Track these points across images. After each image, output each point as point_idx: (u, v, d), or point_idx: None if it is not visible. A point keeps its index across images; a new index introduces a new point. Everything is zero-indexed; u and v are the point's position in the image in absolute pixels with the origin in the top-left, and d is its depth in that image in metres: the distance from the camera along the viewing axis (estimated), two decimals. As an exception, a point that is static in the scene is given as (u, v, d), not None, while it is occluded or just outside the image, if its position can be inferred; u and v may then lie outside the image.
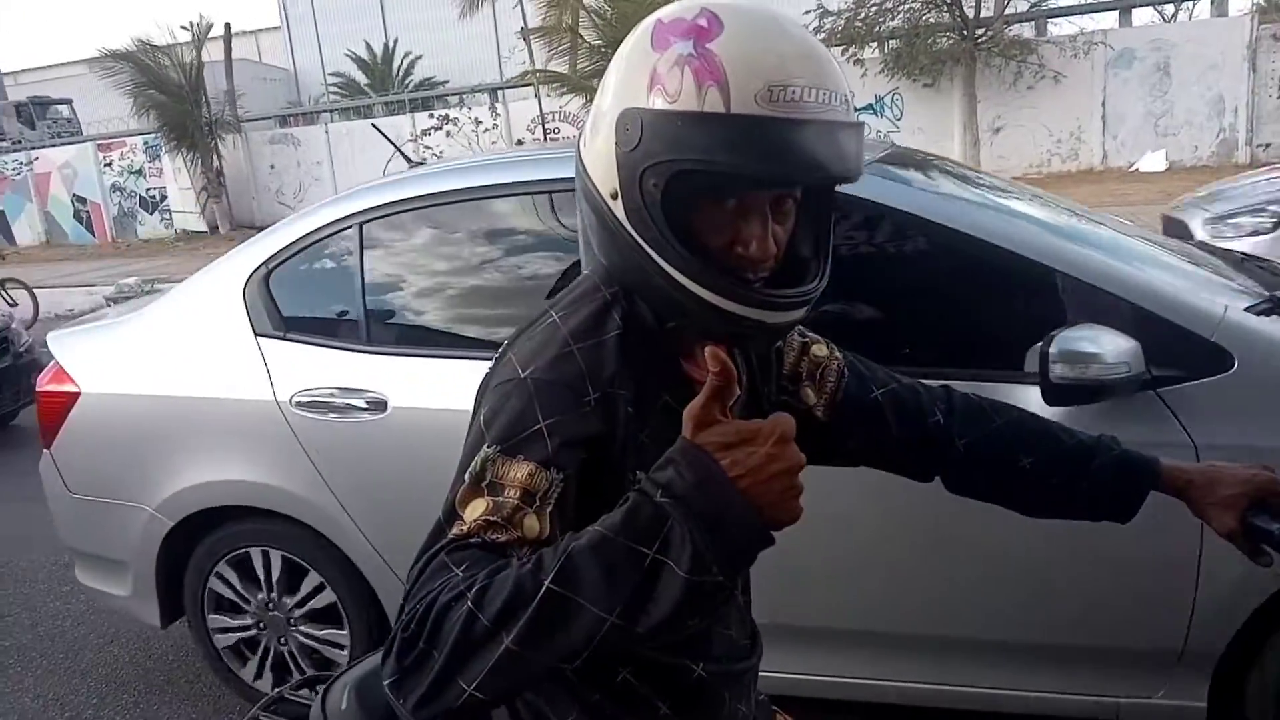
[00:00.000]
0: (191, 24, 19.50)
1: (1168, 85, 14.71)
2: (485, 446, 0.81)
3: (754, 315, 0.86)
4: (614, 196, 0.86)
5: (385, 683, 0.73)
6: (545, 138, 17.75)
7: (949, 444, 1.14)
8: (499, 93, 19.89)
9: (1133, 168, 14.89)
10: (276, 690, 1.39)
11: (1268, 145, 14.36)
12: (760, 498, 0.70)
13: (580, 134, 0.94)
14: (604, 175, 0.87)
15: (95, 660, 3.15)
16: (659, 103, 0.81)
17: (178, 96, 19.18)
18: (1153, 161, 14.76)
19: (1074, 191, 12.79)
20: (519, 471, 0.80)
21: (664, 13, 0.85)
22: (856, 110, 0.87)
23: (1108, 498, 1.11)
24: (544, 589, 0.69)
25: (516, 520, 0.78)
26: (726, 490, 0.69)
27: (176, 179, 20.84)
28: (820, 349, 1.14)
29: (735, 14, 0.82)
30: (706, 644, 0.98)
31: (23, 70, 31.97)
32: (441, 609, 0.71)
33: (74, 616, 3.44)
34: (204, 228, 20.62)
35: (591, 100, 0.94)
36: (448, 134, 18.77)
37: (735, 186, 0.84)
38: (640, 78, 0.83)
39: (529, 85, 17.58)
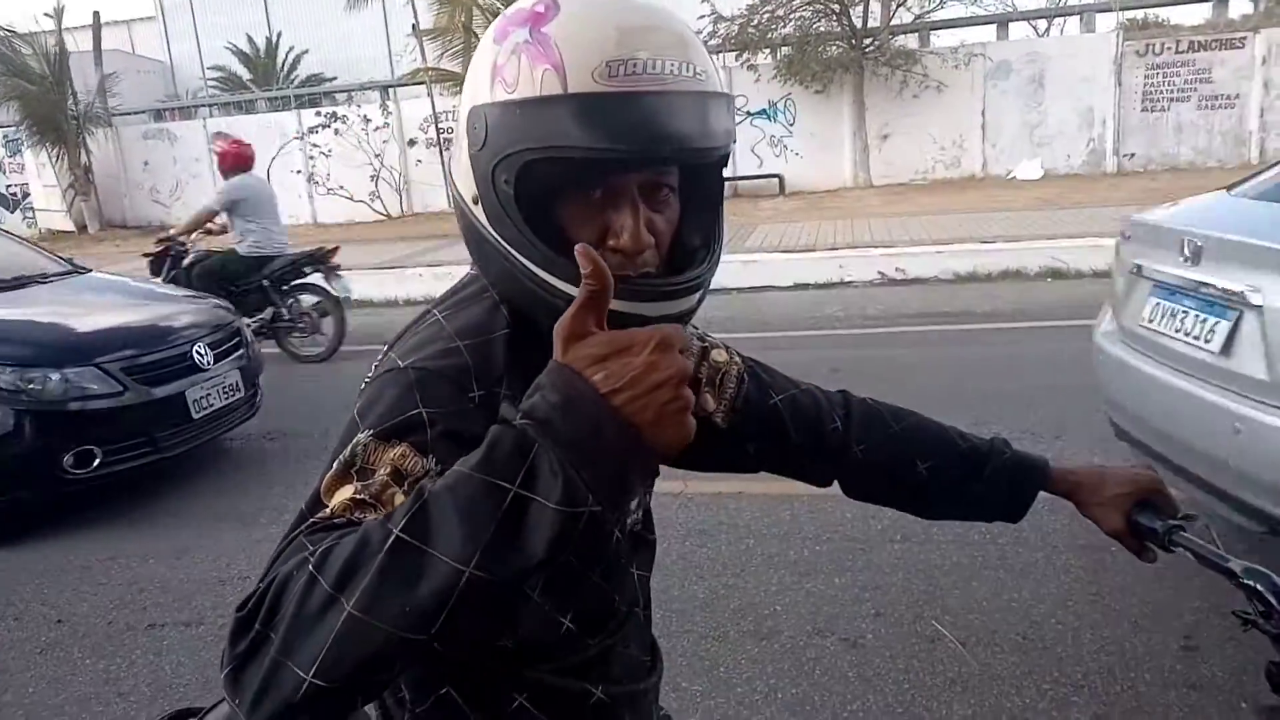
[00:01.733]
0: (55, 9, 18.37)
1: (1042, 96, 15.47)
2: (359, 433, 0.74)
3: (633, 310, 0.78)
4: (475, 201, 0.83)
5: (222, 677, 0.62)
6: (438, 137, 17.42)
7: (846, 450, 1.16)
8: (390, 91, 19.41)
9: (1010, 175, 15.59)
10: None
11: (1132, 155, 15.25)
12: (639, 414, 0.60)
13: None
14: (464, 180, 0.84)
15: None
16: (500, 94, 0.78)
17: (41, 87, 18.05)
18: (1029, 169, 15.49)
19: (958, 199, 13.32)
20: (391, 453, 0.73)
21: (510, 7, 0.82)
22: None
23: (1001, 500, 1.15)
24: (392, 538, 0.59)
25: (386, 498, 0.70)
26: (597, 408, 0.60)
27: (40, 175, 19.66)
28: (720, 354, 1.12)
29: None
30: (605, 665, 0.95)
31: None
32: (282, 582, 0.62)
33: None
34: (71, 226, 19.48)
35: None
36: (336, 132, 18.24)
37: (590, 173, 0.79)
38: (483, 73, 0.80)
39: (421, 84, 17.23)
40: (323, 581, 0.59)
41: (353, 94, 21.08)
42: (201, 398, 4.58)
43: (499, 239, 0.81)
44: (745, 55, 16.19)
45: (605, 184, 0.80)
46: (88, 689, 2.94)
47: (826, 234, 11.07)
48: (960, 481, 1.14)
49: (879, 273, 9.05)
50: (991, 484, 1.13)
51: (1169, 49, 14.83)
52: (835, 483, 1.20)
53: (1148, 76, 14.96)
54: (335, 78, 25.56)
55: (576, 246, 0.64)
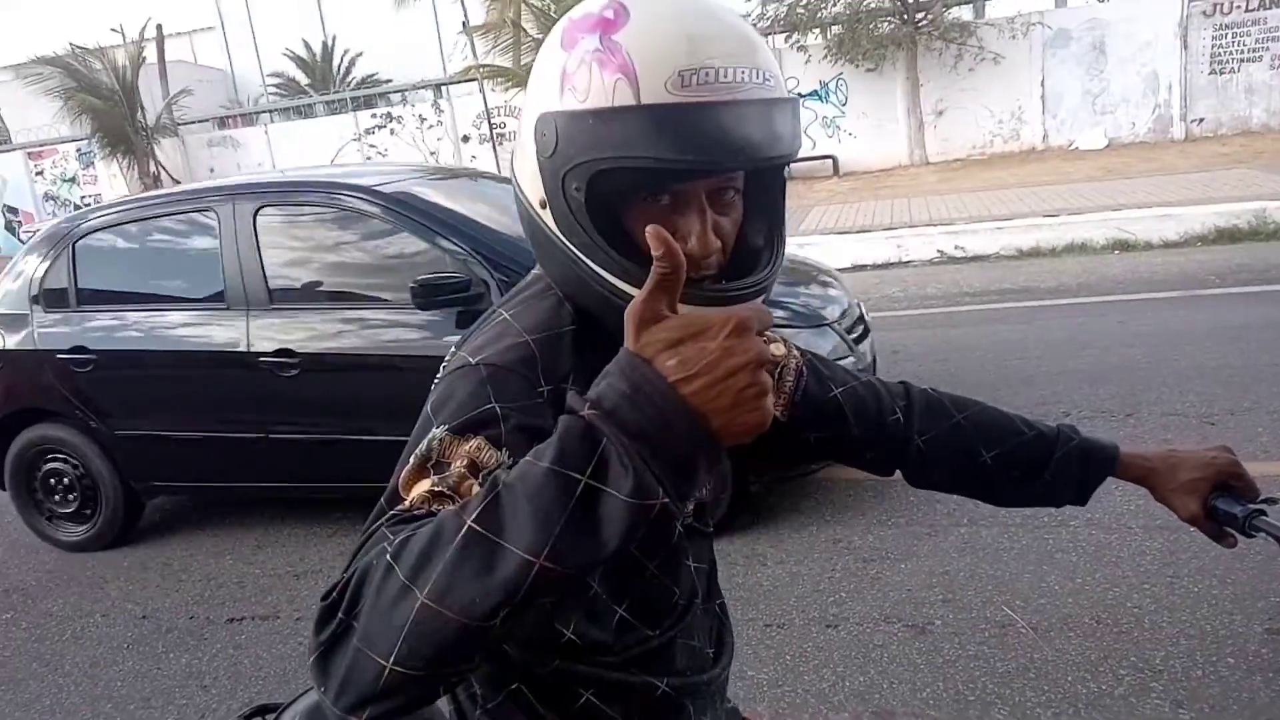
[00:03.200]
0: (121, 26, 18.95)
1: (1104, 64, 14.97)
2: (434, 428, 0.75)
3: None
4: (543, 205, 0.83)
5: (310, 668, 0.63)
6: (491, 133, 17.56)
7: (908, 441, 1.15)
8: (443, 89, 19.62)
9: (1073, 146, 15.14)
10: None
11: (1201, 120, 14.70)
12: (714, 401, 0.59)
13: (513, 148, 0.91)
14: (531, 185, 0.84)
15: (35, 694, 3.03)
16: (571, 103, 0.78)
17: (111, 101, 18.65)
18: (1092, 139, 15.03)
19: (1018, 172, 13.00)
20: (466, 446, 0.74)
21: (575, 10, 0.81)
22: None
23: (1069, 487, 1.14)
24: (465, 528, 0.59)
25: (464, 490, 0.71)
26: (666, 397, 0.58)
27: (112, 185, 20.29)
28: (778, 348, 1.12)
29: (643, 2, 0.78)
30: (669, 657, 0.95)
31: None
32: (363, 572, 0.62)
33: None
34: (143, 235, 20.07)
35: None
36: (392, 132, 18.51)
37: (661, 180, 0.80)
38: (551, 80, 0.80)
39: (473, 80, 17.37)
40: (398, 571, 0.60)
41: (406, 93, 21.35)
42: None
43: (568, 244, 0.82)
44: (795, 36, 15.96)
45: (673, 190, 0.81)
46: (171, 682, 3.05)
47: (883, 213, 10.90)
48: (1026, 470, 1.13)
49: (938, 251, 8.89)
50: (1059, 472, 1.12)
51: (1238, 7, 14.22)
52: (897, 471, 1.19)
53: (1215, 37, 14.38)
54: (390, 79, 25.94)
55: (648, 228, 0.62)
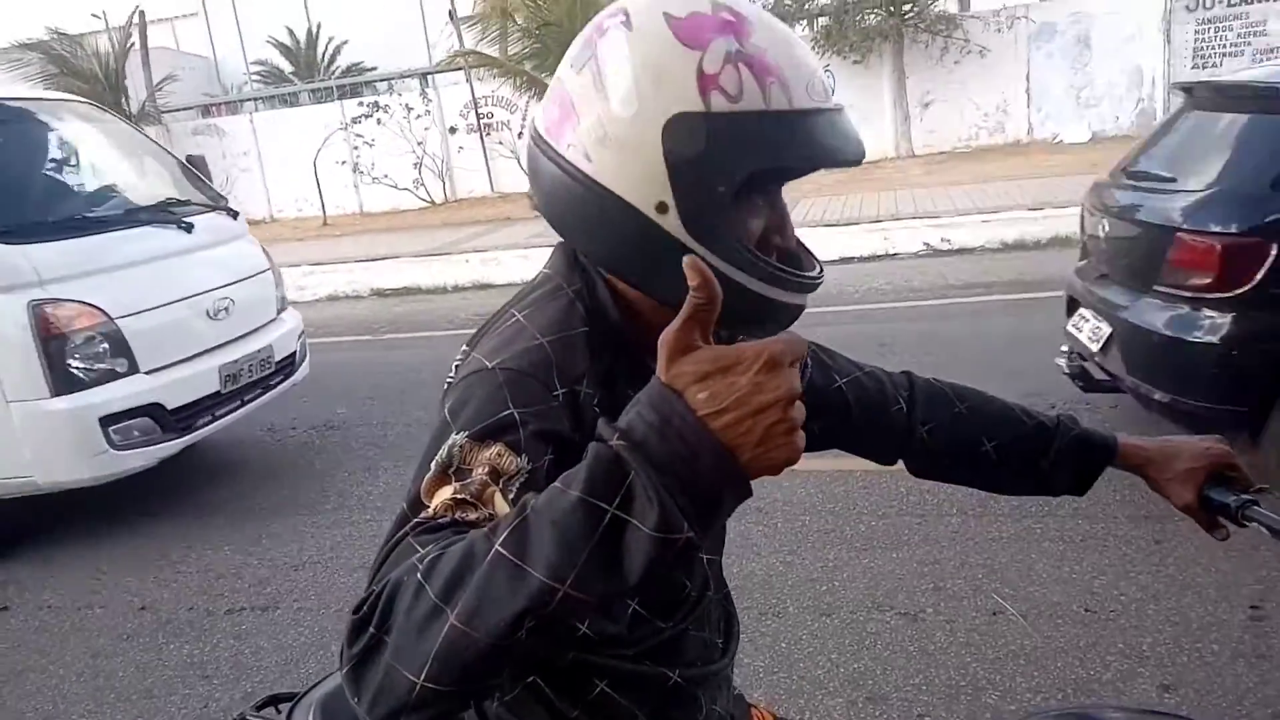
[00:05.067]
0: (104, 12, 18.72)
1: (1088, 57, 15.07)
2: (453, 434, 0.76)
3: (797, 301, 0.88)
4: (661, 209, 0.80)
5: (342, 678, 0.65)
6: (479, 123, 17.48)
7: (912, 431, 1.18)
8: (429, 78, 19.49)
9: (1057, 139, 15.24)
10: (239, 713, 1.35)
11: (1184, 114, 14.80)
12: (743, 437, 0.58)
13: (547, 144, 0.86)
14: (643, 188, 0.80)
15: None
16: (720, 104, 0.78)
17: (95, 87, 18.43)
18: (1076, 132, 15.13)
19: (1003, 165, 13.07)
20: (486, 453, 0.75)
21: (664, 6, 0.80)
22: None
23: (1068, 477, 1.17)
24: (493, 551, 0.60)
25: (487, 497, 0.72)
26: (694, 431, 0.58)
27: (94, 174, 20.06)
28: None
29: (741, 6, 0.82)
30: (680, 649, 0.97)
31: (-79, 64, 30.37)
32: (394, 588, 0.63)
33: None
34: (126, 224, 19.87)
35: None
36: (378, 121, 18.37)
37: (783, 180, 0.87)
38: (682, 78, 0.78)
39: (459, 70, 17.28)
40: (429, 591, 0.61)
41: (392, 82, 21.19)
42: None
43: (700, 247, 0.80)
44: (782, 27, 15.98)
45: (772, 189, 0.88)
46: (173, 672, 3.08)
47: (870, 206, 10.96)
48: (1027, 460, 1.16)
49: (924, 244, 8.95)
50: (1058, 462, 1.14)
51: (1220, 2, 14.33)
52: (900, 460, 1.22)
53: (1198, 32, 14.49)
54: (375, 67, 25.75)
55: (686, 260, 0.61)
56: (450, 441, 0.75)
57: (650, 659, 0.95)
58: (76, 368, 3.82)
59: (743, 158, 0.78)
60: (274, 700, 1.38)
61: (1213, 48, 14.49)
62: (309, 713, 1.20)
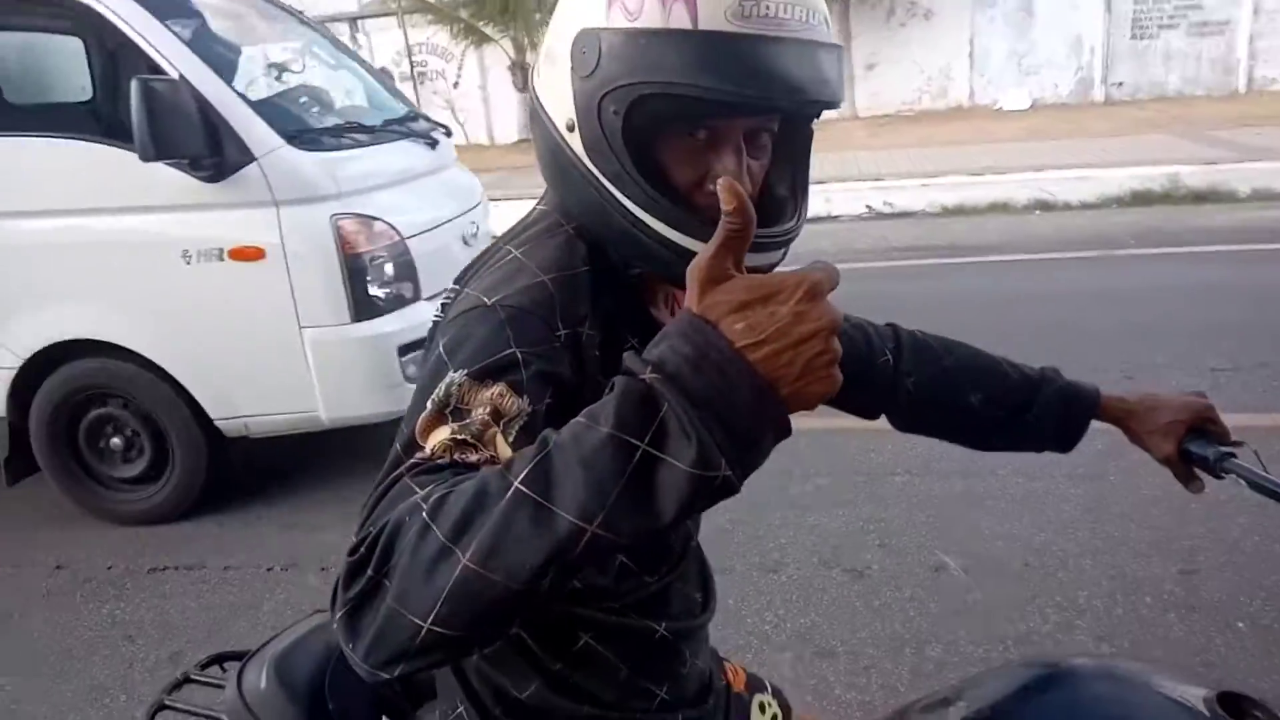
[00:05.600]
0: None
1: (1031, 24, 15.23)
2: (451, 372, 0.71)
3: (697, 247, 0.76)
4: (570, 128, 0.79)
5: (335, 624, 0.60)
6: (412, 71, 16.98)
7: (897, 384, 1.15)
8: (358, 23, 18.82)
9: (998, 105, 15.43)
10: (182, 672, 1.28)
11: (1121, 84, 15.12)
12: (784, 369, 0.55)
13: (534, 63, 0.86)
14: (559, 105, 0.80)
15: (-56, 646, 2.89)
16: (619, 20, 0.73)
17: None
18: (1016, 99, 15.34)
19: (945, 130, 13.19)
20: (487, 392, 0.69)
21: None
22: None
23: (1052, 430, 1.15)
24: (512, 490, 0.55)
25: (488, 438, 0.67)
26: (732, 363, 0.54)
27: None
28: None
29: None
30: (665, 603, 0.95)
31: None
32: (394, 528, 0.58)
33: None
34: None
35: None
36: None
37: (704, 114, 0.76)
38: None
39: (392, 14, 16.72)
40: (437, 531, 0.56)
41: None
42: None
43: (595, 172, 0.78)
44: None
45: (712, 126, 0.78)
46: (94, 632, 2.94)
47: (812, 167, 10.94)
48: (1012, 412, 1.14)
49: (867, 206, 9.00)
50: (1043, 414, 1.13)
51: (1159, -27, 14.62)
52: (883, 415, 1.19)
53: (1137, 2, 14.76)
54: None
55: (720, 180, 0.57)
56: (448, 380, 0.71)
57: (636, 612, 0.93)
58: (375, 291, 3.38)
59: (628, 78, 0.74)
60: (219, 659, 1.32)
61: (1151, 18, 14.78)
62: (262, 671, 1.15)
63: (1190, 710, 0.92)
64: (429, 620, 0.56)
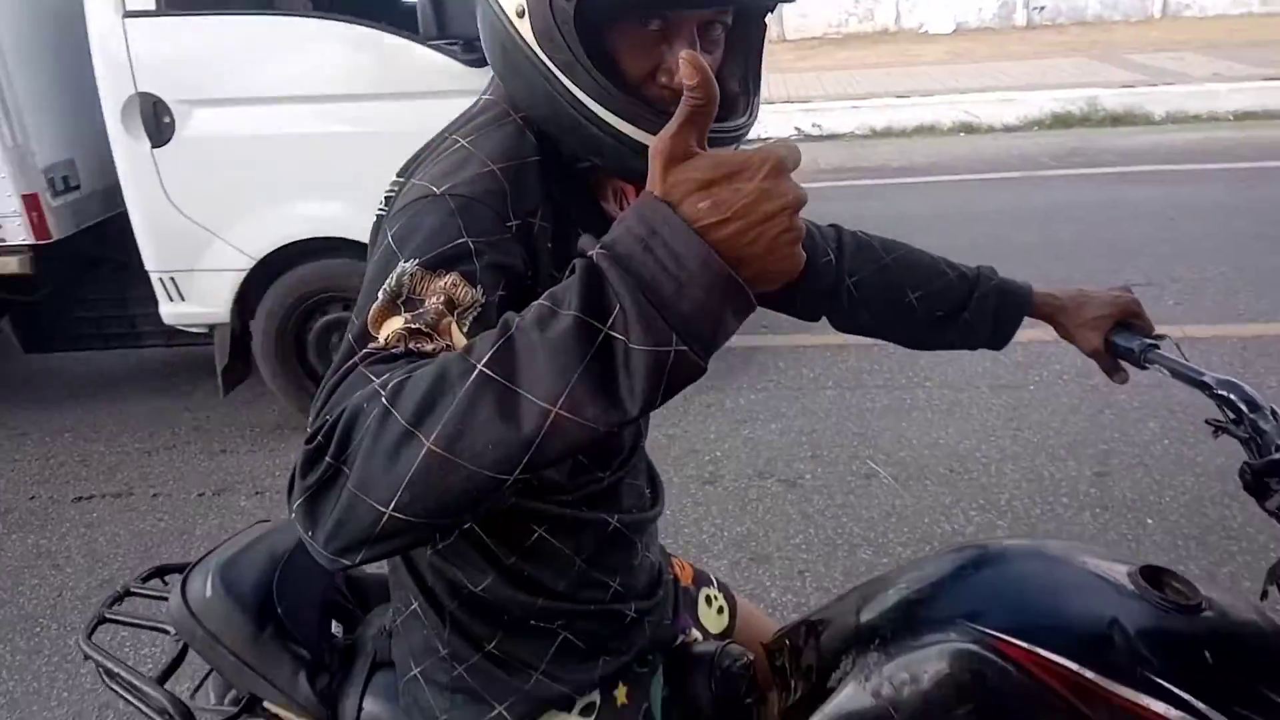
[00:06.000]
0: None
1: (956, -55, 15.20)
2: (402, 262, 0.69)
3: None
4: (520, 14, 0.76)
5: (292, 514, 0.59)
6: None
7: (839, 284, 1.16)
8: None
9: (923, 29, 15.45)
10: (122, 585, 1.25)
11: (1042, 8, 15.26)
12: (749, 247, 0.54)
13: None
14: None
15: None
16: None
17: None
18: (941, 23, 15.37)
19: (871, 51, 13.18)
20: (440, 282, 0.68)
21: None
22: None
23: (987, 327, 1.17)
24: (476, 372, 0.54)
25: (443, 328, 0.66)
26: (687, 243, 0.53)
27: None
28: None
29: None
30: (616, 496, 0.97)
31: None
32: (352, 414, 0.57)
33: None
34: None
35: None
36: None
37: (658, 2, 0.75)
38: None
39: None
40: (398, 415, 0.55)
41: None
42: None
43: (546, 60, 0.76)
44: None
45: (665, 16, 0.76)
46: (18, 562, 2.86)
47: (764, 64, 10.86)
48: (949, 310, 1.15)
49: (795, 128, 8.99)
50: (978, 311, 1.14)
51: (1082, -103, 14.67)
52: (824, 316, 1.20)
53: (1060, -74, 14.82)
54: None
55: (683, 54, 0.55)
56: (399, 270, 0.69)
57: (588, 506, 0.94)
58: None
59: None
60: (160, 571, 1.30)
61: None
62: (207, 580, 1.13)
63: (1116, 583, 0.97)
64: (391, 506, 0.55)
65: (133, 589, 1.27)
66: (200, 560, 1.17)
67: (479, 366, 0.55)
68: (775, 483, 2.97)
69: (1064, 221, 5.38)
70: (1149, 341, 1.11)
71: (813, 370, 3.70)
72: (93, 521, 3.06)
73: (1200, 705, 0.89)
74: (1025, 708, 0.92)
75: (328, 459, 0.57)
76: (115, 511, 3.11)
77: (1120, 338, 1.12)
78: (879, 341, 1.24)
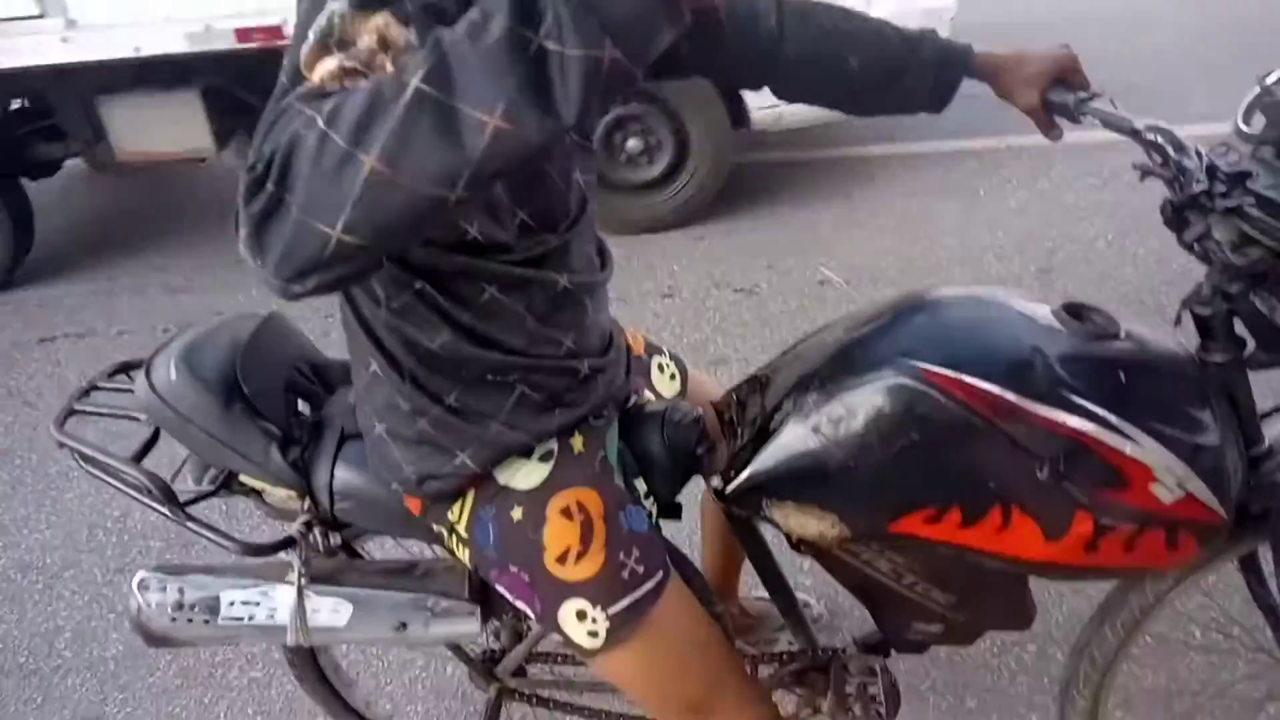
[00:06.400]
0: None
1: None
2: (332, 3, 0.68)
3: None
4: None
5: (240, 247, 0.61)
6: None
7: (780, 50, 1.13)
8: None
9: None
10: (88, 381, 1.27)
11: None
12: None
13: None
14: None
15: None
16: None
17: None
18: None
19: None
20: (373, 21, 0.68)
21: None
22: None
23: (927, 89, 1.15)
24: (411, 88, 0.55)
25: (378, 66, 0.66)
26: None
27: None
28: None
29: None
30: (566, 257, 0.98)
31: None
32: (290, 142, 0.58)
33: None
34: None
35: None
36: None
37: None
38: None
39: None
40: (336, 137, 0.56)
41: None
42: None
43: None
44: None
45: None
46: (-13, 402, 2.89)
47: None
48: (890, 74, 1.14)
49: None
50: (919, 74, 1.13)
51: None
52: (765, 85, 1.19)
53: None
54: None
55: None
56: (330, 10, 0.67)
57: (538, 266, 0.95)
58: None
59: None
60: (125, 367, 1.31)
61: None
62: (169, 364, 1.14)
63: (1039, 317, 1.04)
64: (338, 228, 0.57)
65: (99, 383, 1.28)
66: (162, 348, 1.17)
67: (413, 83, 0.56)
68: (732, 292, 3.04)
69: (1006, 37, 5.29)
70: (1084, 95, 1.12)
71: (766, 182, 3.70)
72: (59, 360, 3.08)
73: (1113, 418, 0.98)
74: (954, 433, 0.99)
75: (270, 187, 0.59)
76: (80, 350, 3.13)
77: (1054, 93, 1.11)
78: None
